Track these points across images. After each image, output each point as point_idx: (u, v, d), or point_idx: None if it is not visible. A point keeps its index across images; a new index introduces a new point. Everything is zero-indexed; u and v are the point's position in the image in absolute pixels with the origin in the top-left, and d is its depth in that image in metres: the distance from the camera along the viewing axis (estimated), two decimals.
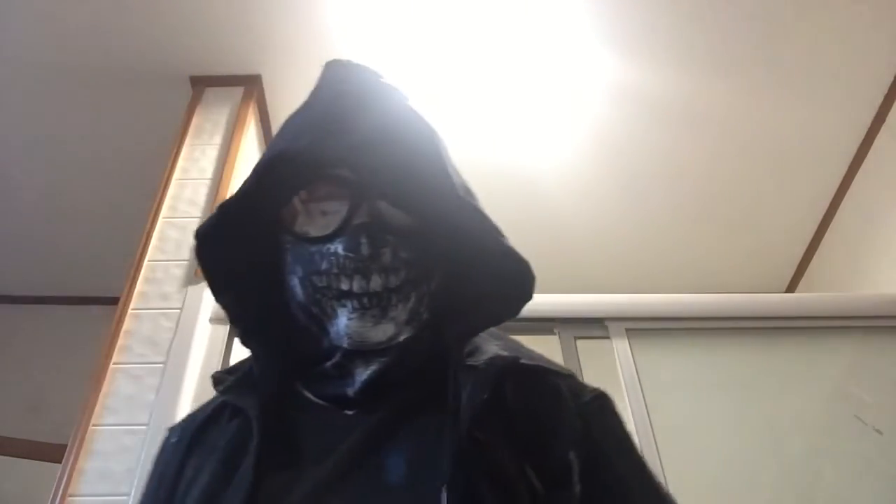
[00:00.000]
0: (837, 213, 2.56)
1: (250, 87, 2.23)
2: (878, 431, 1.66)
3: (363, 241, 0.62)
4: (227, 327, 1.74)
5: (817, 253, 2.72)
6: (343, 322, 0.64)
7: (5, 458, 2.39)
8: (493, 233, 0.66)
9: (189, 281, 1.77)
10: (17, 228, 2.77)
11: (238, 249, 0.69)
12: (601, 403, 0.68)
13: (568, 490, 0.61)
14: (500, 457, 0.59)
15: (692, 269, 2.86)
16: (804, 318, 1.84)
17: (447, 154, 0.69)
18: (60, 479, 1.45)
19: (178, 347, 1.64)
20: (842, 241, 2.56)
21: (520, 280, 0.66)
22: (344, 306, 0.64)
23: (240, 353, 1.95)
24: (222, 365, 1.68)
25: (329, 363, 0.66)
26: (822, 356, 1.82)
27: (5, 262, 2.92)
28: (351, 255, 0.62)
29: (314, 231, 0.65)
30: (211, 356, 1.68)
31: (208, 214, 1.88)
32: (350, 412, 0.64)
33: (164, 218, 1.91)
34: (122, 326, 1.68)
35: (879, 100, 2.27)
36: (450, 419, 0.59)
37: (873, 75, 2.22)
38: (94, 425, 1.53)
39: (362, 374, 0.64)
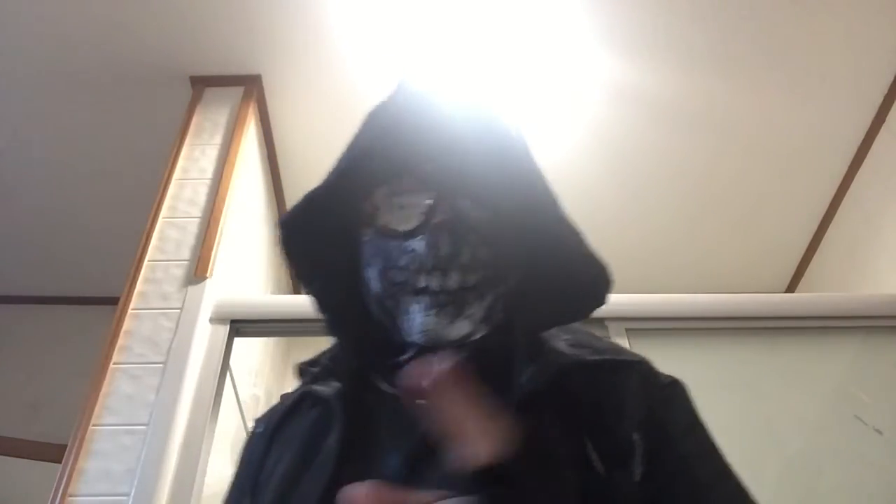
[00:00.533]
0: (837, 213, 2.56)
1: (250, 87, 2.23)
2: (878, 431, 1.66)
3: (443, 239, 0.63)
4: (227, 327, 1.74)
5: (817, 253, 2.72)
6: (419, 319, 0.64)
7: (5, 458, 2.40)
8: (574, 236, 0.67)
9: (189, 281, 1.77)
10: (17, 228, 2.77)
11: (317, 241, 0.71)
12: (672, 390, 0.69)
13: (628, 470, 0.60)
14: (550, 441, 0.59)
15: (692, 269, 2.86)
16: (804, 318, 1.84)
17: (531, 156, 0.69)
18: (60, 479, 1.45)
19: (177, 347, 1.64)
20: (842, 241, 2.56)
21: (594, 284, 0.67)
22: (419, 302, 0.64)
23: (240, 352, 1.96)
24: (222, 365, 1.68)
25: (404, 357, 0.67)
26: (822, 356, 1.82)
27: (5, 262, 2.92)
28: (431, 252, 0.63)
29: (395, 224, 0.66)
30: (211, 356, 1.68)
31: (208, 214, 1.89)
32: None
33: (164, 218, 1.91)
34: (122, 326, 1.68)
35: (879, 100, 2.27)
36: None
37: (873, 75, 2.22)
38: (94, 425, 1.53)
39: None
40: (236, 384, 1.87)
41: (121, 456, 1.48)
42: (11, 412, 2.68)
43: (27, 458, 2.33)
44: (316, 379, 0.70)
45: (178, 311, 1.72)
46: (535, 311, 0.68)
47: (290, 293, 2.72)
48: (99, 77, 2.23)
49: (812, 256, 2.74)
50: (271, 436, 0.71)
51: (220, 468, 1.80)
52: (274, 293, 2.51)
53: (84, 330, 2.66)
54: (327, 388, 0.67)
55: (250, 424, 2.08)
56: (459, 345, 0.65)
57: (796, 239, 2.74)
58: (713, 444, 0.67)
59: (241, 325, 1.77)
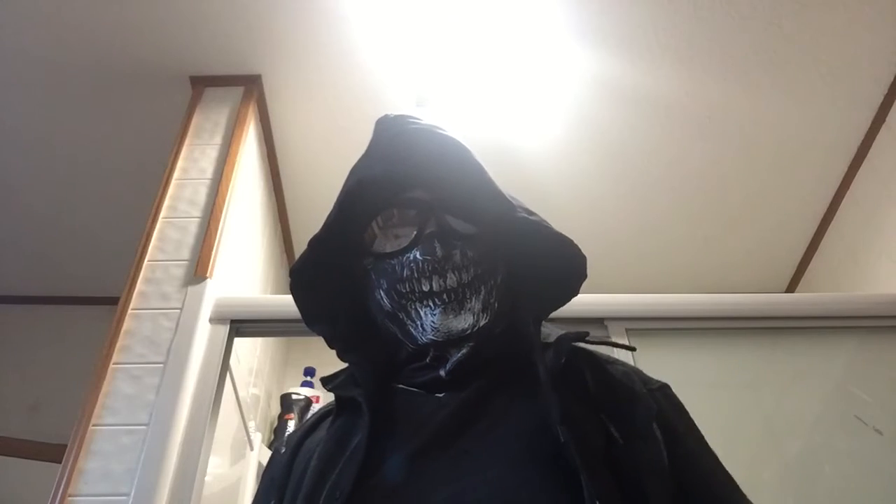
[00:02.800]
0: (837, 213, 2.56)
1: (250, 87, 2.23)
2: (878, 431, 1.66)
3: (436, 245, 0.73)
4: (227, 327, 1.74)
5: (817, 253, 2.72)
6: (429, 320, 0.73)
7: (5, 458, 2.40)
8: (542, 225, 0.77)
9: (189, 281, 1.77)
10: (17, 228, 2.77)
11: (324, 280, 0.80)
12: (667, 391, 0.77)
13: (649, 443, 0.67)
14: (577, 412, 0.65)
15: (692, 268, 2.86)
16: (804, 318, 1.84)
17: (487, 172, 0.79)
18: (60, 479, 1.45)
19: (178, 347, 1.64)
20: (842, 241, 2.56)
21: (573, 264, 0.77)
22: (427, 306, 0.73)
23: (240, 352, 1.95)
24: (222, 364, 1.68)
25: (427, 358, 0.75)
26: (822, 356, 1.82)
27: (5, 262, 2.92)
28: (428, 258, 0.73)
29: (392, 247, 0.76)
30: (211, 356, 1.68)
31: (208, 214, 1.89)
32: (440, 395, 0.72)
33: (163, 218, 1.91)
34: (122, 326, 1.68)
35: (879, 100, 2.27)
36: (530, 390, 0.67)
37: (873, 75, 2.22)
38: (94, 425, 1.53)
39: (454, 357, 0.74)
40: (236, 384, 1.87)
41: (121, 456, 1.48)
42: (11, 412, 2.68)
43: (27, 458, 2.33)
44: (340, 385, 0.77)
45: (178, 311, 1.71)
46: (533, 301, 0.77)
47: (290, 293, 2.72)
48: (98, 77, 2.23)
49: (812, 256, 2.75)
50: (293, 451, 0.78)
51: (221, 468, 1.80)
52: (274, 293, 2.51)
53: (84, 330, 2.65)
54: (353, 391, 0.74)
55: (250, 424, 2.09)
56: (469, 333, 0.73)
57: (796, 239, 2.74)
58: (707, 444, 0.76)
59: (241, 325, 1.77)
